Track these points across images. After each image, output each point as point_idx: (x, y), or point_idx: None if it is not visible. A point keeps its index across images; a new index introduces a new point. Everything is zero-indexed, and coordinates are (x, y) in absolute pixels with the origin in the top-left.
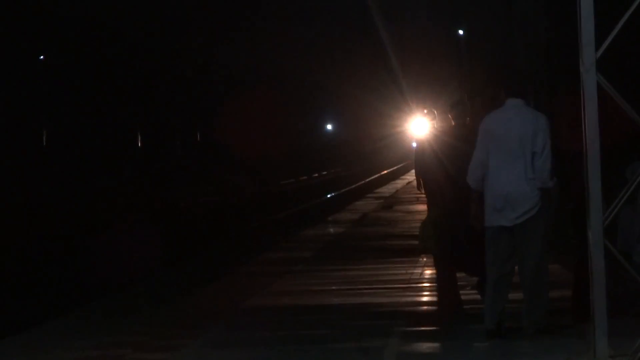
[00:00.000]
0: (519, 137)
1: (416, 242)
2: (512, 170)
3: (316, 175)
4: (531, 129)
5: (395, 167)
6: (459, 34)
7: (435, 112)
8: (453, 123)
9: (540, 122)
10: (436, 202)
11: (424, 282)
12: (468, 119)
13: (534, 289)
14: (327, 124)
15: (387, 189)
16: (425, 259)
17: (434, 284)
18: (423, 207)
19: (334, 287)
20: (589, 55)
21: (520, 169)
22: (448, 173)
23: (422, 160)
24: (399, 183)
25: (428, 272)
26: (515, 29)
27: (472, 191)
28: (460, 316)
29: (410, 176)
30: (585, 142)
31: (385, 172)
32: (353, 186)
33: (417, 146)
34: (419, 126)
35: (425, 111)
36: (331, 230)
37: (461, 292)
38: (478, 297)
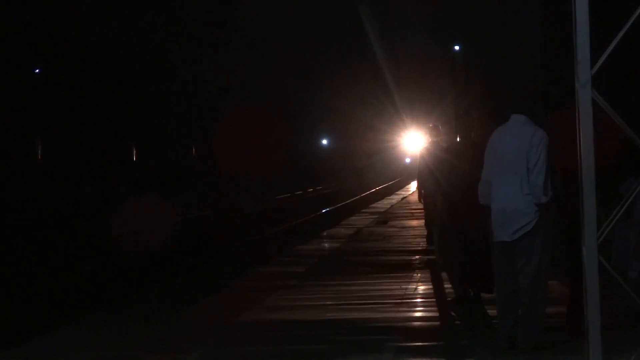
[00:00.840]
0: (516, 152)
1: (410, 257)
2: (509, 186)
3: (311, 190)
4: (527, 144)
5: (388, 183)
6: (454, 49)
7: (440, 127)
8: (458, 138)
9: (536, 138)
10: (432, 218)
11: (418, 298)
12: (473, 133)
13: (530, 304)
14: (322, 138)
15: (382, 204)
16: (419, 275)
17: (428, 300)
18: (417, 223)
19: (328, 302)
20: (584, 72)
21: (517, 185)
22: (442, 189)
23: (421, 176)
24: (394, 198)
25: (422, 288)
26: (511, 44)
27: (485, 207)
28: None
29: (405, 192)
30: (580, 158)
31: (379, 187)
32: (348, 201)
33: (419, 161)
34: (413, 141)
35: (431, 126)
36: (326, 245)
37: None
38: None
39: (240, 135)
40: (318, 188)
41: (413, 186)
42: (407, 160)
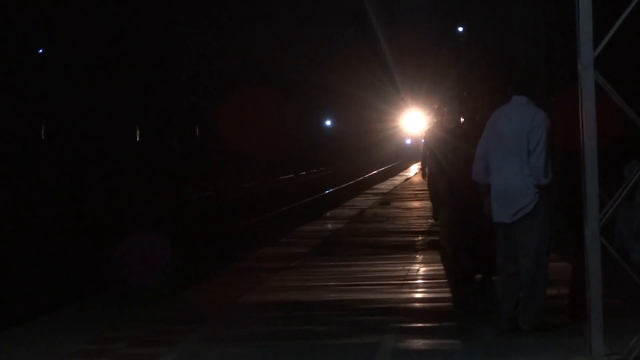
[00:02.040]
0: (516, 134)
1: (413, 239)
2: (510, 167)
3: (315, 171)
4: (527, 126)
5: (386, 167)
6: (458, 30)
7: (445, 109)
8: (462, 119)
9: (536, 119)
10: (438, 200)
11: (421, 279)
12: (478, 114)
13: (530, 286)
14: (325, 120)
15: (385, 185)
16: (422, 256)
17: (431, 281)
18: (420, 204)
19: (330, 283)
20: (587, 53)
21: (517, 166)
22: (445, 171)
23: (424, 156)
24: (398, 180)
25: (425, 269)
26: (514, 25)
27: (480, 185)
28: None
29: (406, 173)
30: (583, 140)
31: (376, 172)
32: (351, 182)
33: (424, 140)
34: (414, 122)
35: (436, 107)
36: (329, 226)
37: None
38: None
39: (243, 117)
40: (322, 169)
41: (414, 169)
42: (408, 141)
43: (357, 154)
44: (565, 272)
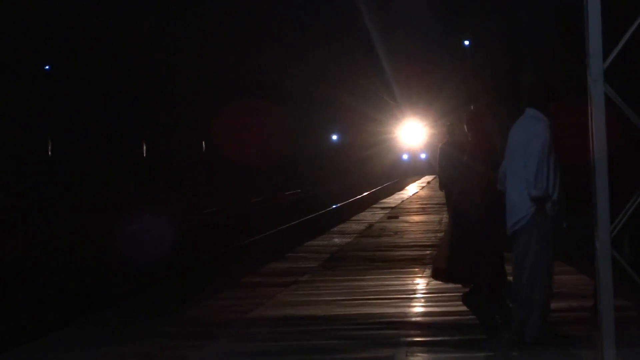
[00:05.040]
0: (517, 146)
1: (422, 252)
2: (512, 179)
3: (321, 186)
4: (526, 138)
5: (373, 190)
6: (464, 44)
7: (456, 126)
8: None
9: (533, 131)
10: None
11: (430, 292)
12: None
13: (529, 299)
14: (332, 134)
15: (393, 199)
16: (431, 270)
17: (441, 294)
18: (428, 218)
19: (340, 298)
20: (596, 66)
21: (517, 179)
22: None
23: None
24: (405, 194)
25: (434, 282)
26: (521, 37)
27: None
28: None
29: (412, 189)
30: (593, 152)
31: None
32: (358, 197)
33: (439, 153)
34: (411, 134)
35: (448, 124)
36: (337, 240)
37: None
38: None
39: (250, 133)
40: (327, 184)
41: (411, 189)
42: (404, 156)
43: (350, 170)
44: (578, 285)
